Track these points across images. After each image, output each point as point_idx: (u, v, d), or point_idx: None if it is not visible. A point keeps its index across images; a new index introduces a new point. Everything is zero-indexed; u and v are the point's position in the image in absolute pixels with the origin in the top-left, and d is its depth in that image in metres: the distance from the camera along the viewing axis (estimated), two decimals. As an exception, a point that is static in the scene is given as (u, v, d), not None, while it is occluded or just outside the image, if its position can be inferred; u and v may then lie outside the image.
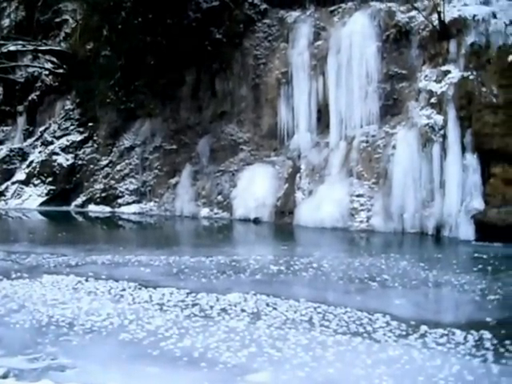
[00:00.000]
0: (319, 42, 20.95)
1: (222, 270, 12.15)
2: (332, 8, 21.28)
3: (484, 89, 16.86)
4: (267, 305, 9.45)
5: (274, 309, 9.24)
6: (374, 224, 18.16)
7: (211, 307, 9.29)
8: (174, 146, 24.19)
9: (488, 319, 9.00)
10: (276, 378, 6.58)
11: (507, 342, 7.89)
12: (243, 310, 9.12)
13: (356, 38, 19.72)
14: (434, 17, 18.61)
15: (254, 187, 21.05)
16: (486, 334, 8.20)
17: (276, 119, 21.82)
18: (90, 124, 26.67)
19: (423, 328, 8.41)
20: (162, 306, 9.36)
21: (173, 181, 23.86)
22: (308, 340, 7.75)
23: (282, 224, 20.33)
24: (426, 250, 15.94)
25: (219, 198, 22.51)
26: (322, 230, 18.68)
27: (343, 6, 21.06)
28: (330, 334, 8.08)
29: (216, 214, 22.34)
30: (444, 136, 17.41)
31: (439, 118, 17.53)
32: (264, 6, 22.62)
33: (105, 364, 6.91)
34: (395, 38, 19.58)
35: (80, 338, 7.80)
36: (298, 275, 11.88)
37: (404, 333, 8.23)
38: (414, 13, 19.39)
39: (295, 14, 21.93)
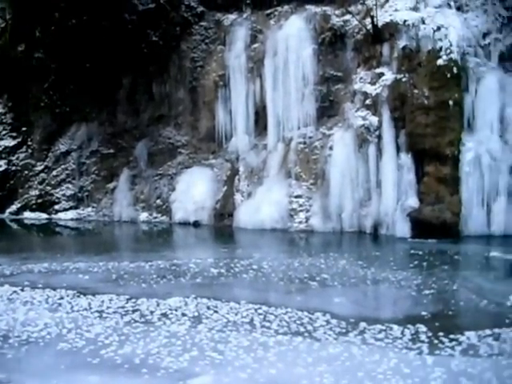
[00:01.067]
0: (256, 45, 21.09)
1: (162, 275, 12.05)
2: (268, 11, 21.43)
3: (416, 91, 17.37)
4: (208, 308, 9.45)
5: (215, 312, 9.24)
6: (313, 224, 18.40)
7: (152, 312, 9.21)
8: (112, 150, 23.80)
9: (423, 313, 9.30)
10: (218, 380, 6.59)
11: (441, 333, 8.18)
12: (184, 314, 9.09)
13: (292, 40, 19.95)
14: (368, 21, 19.03)
15: (193, 190, 20.98)
16: (422, 328, 8.47)
17: (214, 122, 21.81)
18: (24, 128, 25.88)
19: (362, 325, 8.60)
20: (101, 313, 9.21)
21: (111, 185, 23.48)
22: (249, 342, 7.80)
23: (221, 226, 20.34)
24: (364, 248, 16.28)
25: (158, 201, 22.31)
26: (262, 231, 18.80)
27: (279, 9, 21.24)
28: (271, 334, 8.15)
29: (155, 218, 22.13)
30: (379, 136, 17.82)
31: (374, 119, 17.94)
32: (201, 8, 22.57)
33: (42, 376, 6.74)
34: (330, 41, 19.90)
35: (15, 350, 7.59)
36: (239, 277, 11.92)
37: (344, 330, 8.39)
38: (348, 17, 19.78)
39: (232, 16, 22.00)
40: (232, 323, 8.66)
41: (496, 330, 8.33)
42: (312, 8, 20.35)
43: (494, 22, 17.92)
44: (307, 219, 18.63)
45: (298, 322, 8.77)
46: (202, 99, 22.34)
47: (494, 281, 11.80)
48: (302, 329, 8.44)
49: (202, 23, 22.55)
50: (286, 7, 21.03)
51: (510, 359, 7.31)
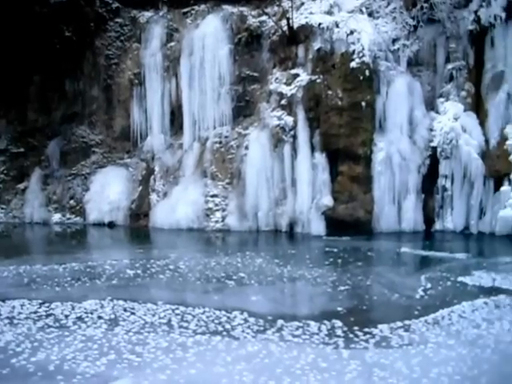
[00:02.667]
0: (172, 44, 20.91)
1: (76, 277, 11.73)
2: (185, 10, 21.29)
3: (330, 92, 17.79)
4: (125, 310, 9.29)
5: (132, 313, 9.10)
6: (230, 223, 18.48)
7: (66, 316, 8.95)
8: (22, 149, 22.90)
9: (339, 309, 9.56)
10: (137, 383, 6.50)
11: (356, 328, 8.45)
12: (100, 317, 8.89)
13: (209, 40, 19.93)
14: (284, 23, 19.31)
15: (108, 190, 20.55)
16: (338, 323, 8.71)
17: (129, 121, 21.45)
18: None
19: (280, 322, 8.73)
20: (12, 319, 8.85)
21: (21, 186, 22.59)
22: (168, 342, 7.74)
23: (137, 227, 20.04)
24: (280, 246, 16.50)
25: (71, 202, 21.69)
26: (178, 231, 18.68)
27: (196, 8, 21.16)
28: (190, 334, 8.12)
29: (68, 219, 21.50)
30: (294, 136, 18.12)
31: (289, 119, 18.22)
32: (116, 4, 22.09)
33: None
34: (247, 42, 20.04)
35: None
36: (155, 278, 11.80)
37: (262, 328, 8.48)
38: (264, 18, 19.98)
39: (148, 14, 21.69)
40: (150, 324, 8.56)
41: (406, 322, 8.70)
42: (229, 8, 20.42)
43: (402, 29, 18.66)
44: (223, 218, 18.68)
45: (216, 321, 8.79)
46: (116, 97, 21.92)
47: (405, 275, 12.30)
48: (220, 328, 8.46)
49: (118, 20, 22.11)
50: (202, 6, 20.98)
51: (419, 348, 7.66)
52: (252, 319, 8.88)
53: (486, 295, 10.21)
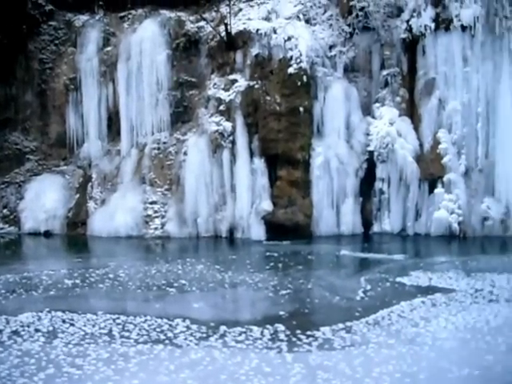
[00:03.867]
0: (109, 48, 20.56)
1: (11, 289, 11.32)
2: (122, 14, 20.97)
3: (268, 97, 17.92)
4: (63, 321, 9.04)
5: (71, 325, 8.86)
6: (169, 230, 18.30)
7: (1, 331, 8.62)
8: (-50, 157, 22.01)
9: (281, 313, 9.60)
10: (77, 396, 6.34)
11: (298, 331, 8.51)
12: (37, 330, 8.61)
13: (146, 45, 19.71)
14: (222, 28, 19.34)
15: (44, 199, 19.97)
16: (280, 327, 8.75)
17: (65, 127, 20.94)
18: None
19: (223, 328, 8.70)
20: None
21: (-51, 195, 21.69)
22: (109, 353, 7.57)
23: (75, 235, 19.56)
24: (220, 252, 16.47)
25: (5, 211, 20.96)
26: (117, 239, 18.35)
27: (133, 12, 20.88)
28: (132, 344, 7.98)
29: (2, 229, 20.75)
30: (233, 142, 18.16)
31: (228, 125, 18.23)
32: (49, 7, 21.49)
33: None
34: (185, 47, 19.94)
35: None
36: (95, 287, 11.54)
37: (204, 335, 8.42)
38: (202, 23, 19.94)
39: (83, 17, 21.24)
40: (90, 335, 8.36)
41: (348, 324, 8.84)
42: (166, 13, 20.27)
43: (339, 36, 19.03)
44: (163, 225, 18.49)
45: (157, 329, 8.67)
46: (51, 103, 21.36)
47: (345, 277, 12.51)
48: (162, 336, 8.34)
49: (52, 23, 21.56)
50: (140, 11, 20.74)
51: (361, 348, 7.79)
52: (194, 326, 8.81)
53: (424, 294, 10.50)
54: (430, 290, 10.86)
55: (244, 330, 8.64)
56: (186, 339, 8.23)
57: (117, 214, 18.65)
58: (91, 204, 19.61)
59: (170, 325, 8.88)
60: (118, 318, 9.16)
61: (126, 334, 8.44)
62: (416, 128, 18.15)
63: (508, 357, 7.53)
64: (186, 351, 7.72)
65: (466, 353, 7.70)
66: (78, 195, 20.14)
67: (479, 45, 17.54)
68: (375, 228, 17.95)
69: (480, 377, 6.93)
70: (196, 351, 7.70)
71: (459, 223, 17.04)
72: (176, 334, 8.48)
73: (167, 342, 8.11)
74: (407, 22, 18.56)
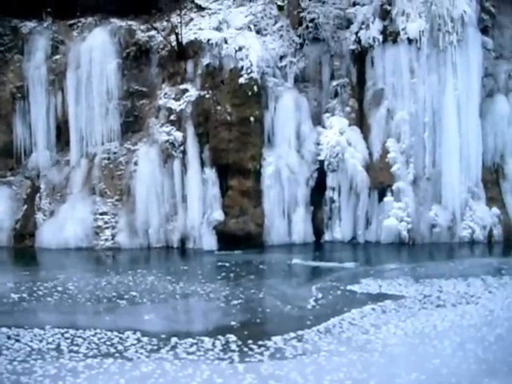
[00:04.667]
0: (58, 56, 20.17)
1: (-46, 304, 10.97)
2: (71, 22, 20.62)
3: (219, 107, 17.94)
4: (9, 337, 8.79)
5: (17, 341, 8.63)
6: (120, 241, 18.05)
7: None
8: None
9: (233, 323, 9.59)
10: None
11: (250, 341, 8.51)
12: (-19, 347, 8.36)
13: (96, 53, 19.45)
14: (173, 38, 19.26)
15: (-11, 210, 19.42)
16: (232, 337, 8.73)
17: (11, 136, 20.38)
18: None
19: (174, 340, 8.62)
20: None
21: None
22: (57, 369, 7.40)
23: (22, 248, 19.05)
24: (172, 263, 16.35)
25: None
26: (67, 250, 17.98)
27: (83, 20, 20.55)
28: (80, 358, 7.82)
29: None
30: (184, 152, 18.08)
31: (179, 135, 18.16)
32: (-6, 12, 20.97)
33: None
34: (135, 56, 19.77)
35: None
36: (43, 301, 11.27)
37: (155, 347, 8.33)
38: (153, 32, 19.82)
39: (31, 24, 20.75)
40: (37, 351, 8.14)
41: (299, 332, 8.89)
42: (117, 22, 20.06)
43: (289, 46, 19.23)
44: (113, 236, 18.23)
45: (108, 342, 8.53)
46: (-4, 112, 20.80)
47: (297, 286, 12.58)
48: (112, 349, 8.21)
49: (-4, 29, 21.03)
50: (89, 19, 20.44)
51: (312, 357, 7.85)
52: (145, 339, 8.70)
53: (374, 302, 10.66)
54: (380, 297, 11.03)
55: (195, 341, 8.59)
56: (136, 352, 8.13)
57: (66, 225, 18.30)
58: (39, 215, 19.17)
59: (121, 338, 8.76)
60: (67, 332, 8.98)
61: (75, 348, 8.27)
62: (365, 137, 18.46)
63: (453, 360, 7.72)
64: (136, 364, 7.62)
65: (414, 357, 7.86)
66: (25, 206, 19.65)
67: (425, 57, 17.99)
68: (326, 236, 18.13)
69: (426, 380, 7.08)
70: (147, 364, 7.61)
71: (408, 230, 17.38)
72: (126, 346, 8.36)
73: (117, 355, 7.99)
74: (356, 33, 18.91)
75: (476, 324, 9.28)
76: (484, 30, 19.06)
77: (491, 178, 18.74)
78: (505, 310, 10.06)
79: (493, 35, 19.47)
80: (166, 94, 18.96)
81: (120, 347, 8.31)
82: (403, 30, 18.12)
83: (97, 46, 19.50)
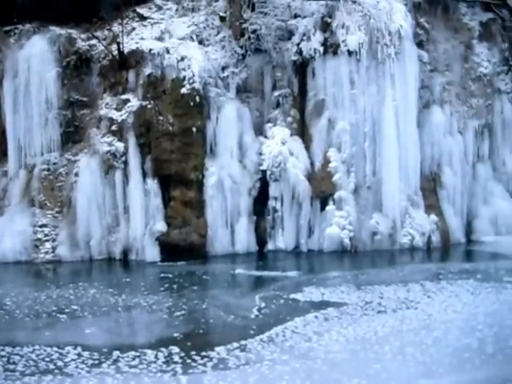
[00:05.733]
0: (-7, 64, 19.65)
1: None
2: (8, 28, 20.05)
3: (161, 117, 17.82)
4: None
5: (-51, 360, 8.33)
6: (61, 254, 17.64)
7: None
8: None
9: (176, 335, 9.53)
10: None
11: (193, 352, 8.48)
12: None
13: (35, 61, 18.97)
14: (114, 47, 19.03)
15: None
16: (175, 349, 8.69)
17: None
18: None
19: (116, 353, 8.51)
20: None
21: None
22: (-10, 389, 7.18)
23: (-44, 262, 18.38)
24: (114, 275, 16.09)
25: None
26: (5, 264, 17.39)
27: (20, 27, 20.02)
28: (17, 377, 7.61)
29: None
30: (125, 162, 17.84)
31: (120, 145, 17.93)
32: None
33: None
34: (76, 65, 19.40)
35: None
36: (-22, 318, 10.91)
37: (97, 361, 8.20)
38: (94, 41, 19.53)
39: (-35, 30, 20.15)
40: (-30, 370, 7.88)
41: (242, 342, 8.92)
42: (56, 29, 19.65)
43: (231, 57, 19.30)
44: (54, 249, 17.80)
45: (46, 359, 8.33)
46: None
47: (240, 296, 12.60)
48: (51, 366, 8.03)
49: None
50: (27, 26, 19.91)
51: (255, 366, 7.88)
52: (86, 353, 8.55)
53: (317, 309, 10.80)
54: (322, 305, 11.18)
55: (138, 354, 8.50)
56: (77, 367, 7.97)
57: (4, 238, 17.75)
58: (-26, 229, 18.53)
59: (60, 353, 8.58)
60: (3, 350, 8.73)
61: (12, 366, 8.05)
62: (307, 147, 18.68)
63: (393, 364, 7.91)
64: (76, 380, 7.48)
65: (356, 363, 8.00)
66: (-40, 219, 18.98)
67: (364, 69, 18.37)
68: (270, 246, 18.21)
69: (367, 386, 7.23)
70: (87, 379, 7.48)
71: (350, 238, 17.65)
72: (66, 362, 8.20)
73: (57, 371, 7.82)
74: (297, 45, 19.15)
75: (415, 328, 9.54)
76: (419, 44, 19.67)
77: (429, 186, 19.27)
78: (442, 314, 10.38)
79: (428, 49, 20.09)
80: (107, 104, 18.71)
81: (60, 363, 8.14)
82: (343, 42, 18.47)
83: (35, 54, 19.05)
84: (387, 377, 7.47)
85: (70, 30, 19.81)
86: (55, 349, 8.74)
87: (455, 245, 18.76)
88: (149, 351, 8.60)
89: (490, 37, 20.97)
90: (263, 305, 11.31)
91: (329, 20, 18.92)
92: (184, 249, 17.20)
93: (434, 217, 18.54)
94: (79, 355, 8.48)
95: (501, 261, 16.06)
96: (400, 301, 11.40)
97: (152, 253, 17.24)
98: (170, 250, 17.08)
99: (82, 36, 19.85)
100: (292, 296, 12.02)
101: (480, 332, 9.28)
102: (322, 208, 18.14)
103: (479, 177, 20.23)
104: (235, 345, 8.79)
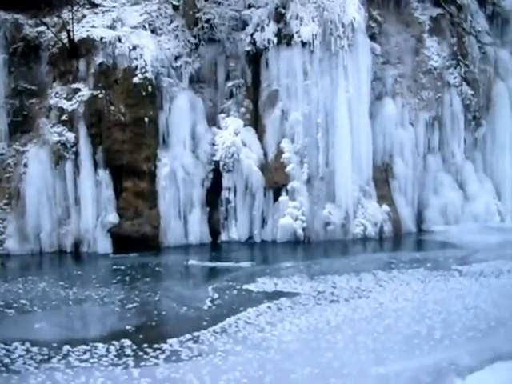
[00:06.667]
0: None
1: None
2: None
3: (113, 107, 17.51)
4: None
5: None
6: (9, 247, 17.18)
7: None
8: None
9: (128, 327, 9.42)
10: None
11: (145, 345, 8.40)
12: None
13: (-21, 49, 18.43)
14: (64, 34, 18.56)
15: None
16: (127, 342, 8.58)
17: None
18: None
19: (66, 348, 8.35)
20: None
21: None
22: None
23: None
24: (65, 268, 15.80)
25: None
26: (-50, 259, 16.92)
27: (-38, 11, 19.40)
28: (-39, 374, 7.38)
29: None
30: (76, 153, 17.49)
31: (71, 136, 17.56)
32: None
33: None
34: (23, 52, 18.85)
35: None
36: None
37: (46, 357, 8.03)
38: (43, 28, 18.99)
39: None
40: None
41: (195, 334, 8.87)
42: (1, 14, 19.03)
43: (185, 46, 19.11)
44: (2, 242, 17.32)
45: (-7, 355, 8.10)
46: None
47: (193, 287, 12.55)
48: (-3, 363, 7.82)
49: None
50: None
51: (208, 358, 7.85)
52: (35, 349, 8.36)
53: (270, 300, 10.83)
54: (275, 295, 11.22)
55: (89, 347, 8.36)
56: (24, 363, 7.80)
57: (-52, 232, 17.23)
58: None
59: (8, 350, 8.37)
60: None
61: (-45, 363, 7.80)
62: (260, 138, 18.68)
63: (345, 352, 8.01)
64: (24, 377, 7.31)
65: (308, 353, 8.06)
66: None
67: (318, 60, 18.45)
68: (223, 237, 18.17)
69: (319, 374, 7.29)
70: (36, 376, 7.32)
71: (303, 229, 17.77)
72: (14, 359, 8.00)
73: (3, 368, 7.63)
74: (251, 35, 19.10)
75: (367, 317, 9.67)
76: (372, 37, 19.86)
77: (381, 176, 19.54)
78: (393, 302, 10.56)
79: (380, 42, 20.31)
80: (57, 93, 18.26)
81: (6, 360, 7.94)
82: (297, 33, 18.50)
83: (-20, 41, 18.46)
84: (339, 365, 7.55)
85: (16, 16, 19.21)
86: (2, 345, 8.52)
87: (406, 234, 19.10)
88: (100, 345, 8.47)
89: (440, 31, 21.34)
90: (216, 296, 11.28)
91: (283, 11, 18.93)
92: (136, 240, 17.00)
93: (385, 207, 18.81)
94: (27, 351, 8.28)
95: (450, 249, 16.44)
96: (352, 290, 11.53)
97: (104, 245, 16.99)
98: (122, 241, 16.86)
99: (30, 22, 19.28)
100: (245, 286, 12.03)
101: (429, 319, 9.48)
102: (276, 199, 18.19)
103: (430, 168, 20.61)
104: (188, 336, 8.74)
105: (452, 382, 6.84)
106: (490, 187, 21.12)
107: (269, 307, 10.32)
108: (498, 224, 20.22)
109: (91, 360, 7.87)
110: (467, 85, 21.17)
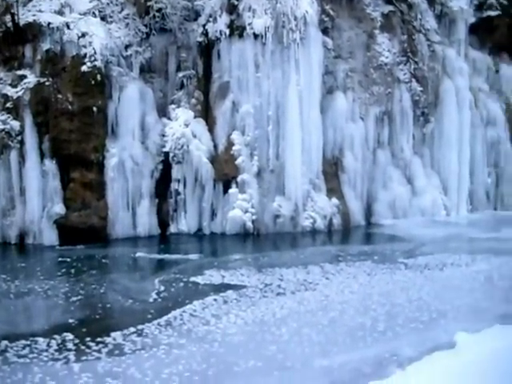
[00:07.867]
0: None
1: None
2: None
3: (60, 96, 17.08)
4: None
5: None
6: (-50, 238, 16.66)
7: None
8: None
9: (71, 321, 9.23)
10: None
11: (88, 339, 8.24)
12: None
13: None
14: (8, 18, 17.98)
15: None
16: (69, 336, 8.41)
17: None
18: None
19: (4, 343, 8.15)
20: None
21: None
22: None
23: None
24: (8, 260, 15.38)
25: None
26: None
27: None
28: None
29: None
30: (22, 142, 17.02)
31: (16, 124, 17.06)
32: None
33: None
34: (-36, 36, 18.27)
35: None
36: None
37: (-18, 352, 7.78)
38: (-16, 11, 18.42)
39: None
40: None
41: (139, 327, 8.76)
42: None
43: (135, 35, 18.79)
44: None
45: None
46: None
47: (140, 280, 12.38)
48: None
49: None
50: None
51: (151, 351, 7.76)
52: (-30, 344, 8.09)
53: (216, 292, 10.79)
54: (222, 288, 11.18)
55: (28, 342, 8.16)
56: (-42, 359, 7.53)
57: None
58: None
59: None
60: None
61: None
62: (211, 130, 18.56)
63: (289, 345, 8.04)
64: (-43, 372, 7.05)
65: (253, 345, 8.06)
66: None
67: (270, 53, 18.43)
68: (172, 229, 18.02)
69: (263, 366, 7.29)
70: (-30, 371, 7.08)
71: (253, 221, 17.77)
72: None
73: None
74: (203, 26, 18.93)
75: (312, 309, 9.73)
76: (324, 31, 19.95)
77: (331, 170, 19.69)
78: (339, 295, 10.66)
79: (332, 36, 20.42)
80: (1, 79, 17.69)
81: None
82: (249, 25, 18.43)
83: None
84: (283, 358, 7.57)
85: (-44, -3, 18.53)
86: None
87: (355, 227, 19.32)
88: (41, 339, 8.27)
89: (391, 28, 21.61)
90: (162, 288, 11.17)
91: (235, 2, 18.81)
92: (83, 232, 16.67)
93: (335, 200, 18.98)
94: (-39, 347, 8.02)
95: (397, 243, 16.71)
96: (299, 283, 11.59)
97: (50, 236, 16.62)
98: (68, 233, 16.51)
99: (-29, 4, 18.64)
100: (192, 279, 11.95)
101: (373, 311, 9.60)
102: (225, 191, 18.13)
103: (379, 162, 20.88)
104: (132, 330, 8.63)
105: (392, 372, 6.93)
106: (436, 182, 21.56)
107: (215, 300, 10.28)
108: (444, 218, 20.67)
109: (30, 355, 7.68)
110: (416, 81, 21.51)
